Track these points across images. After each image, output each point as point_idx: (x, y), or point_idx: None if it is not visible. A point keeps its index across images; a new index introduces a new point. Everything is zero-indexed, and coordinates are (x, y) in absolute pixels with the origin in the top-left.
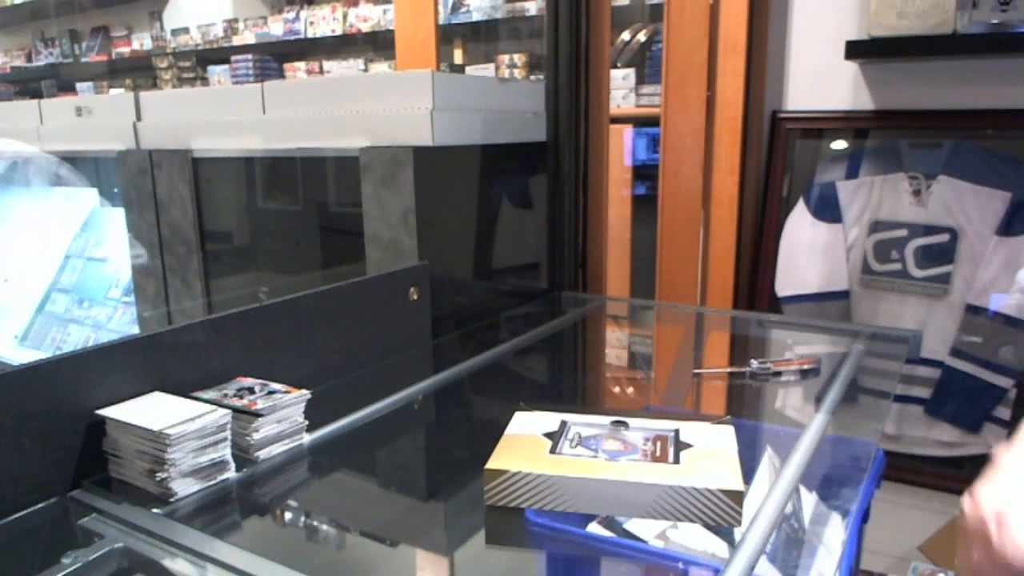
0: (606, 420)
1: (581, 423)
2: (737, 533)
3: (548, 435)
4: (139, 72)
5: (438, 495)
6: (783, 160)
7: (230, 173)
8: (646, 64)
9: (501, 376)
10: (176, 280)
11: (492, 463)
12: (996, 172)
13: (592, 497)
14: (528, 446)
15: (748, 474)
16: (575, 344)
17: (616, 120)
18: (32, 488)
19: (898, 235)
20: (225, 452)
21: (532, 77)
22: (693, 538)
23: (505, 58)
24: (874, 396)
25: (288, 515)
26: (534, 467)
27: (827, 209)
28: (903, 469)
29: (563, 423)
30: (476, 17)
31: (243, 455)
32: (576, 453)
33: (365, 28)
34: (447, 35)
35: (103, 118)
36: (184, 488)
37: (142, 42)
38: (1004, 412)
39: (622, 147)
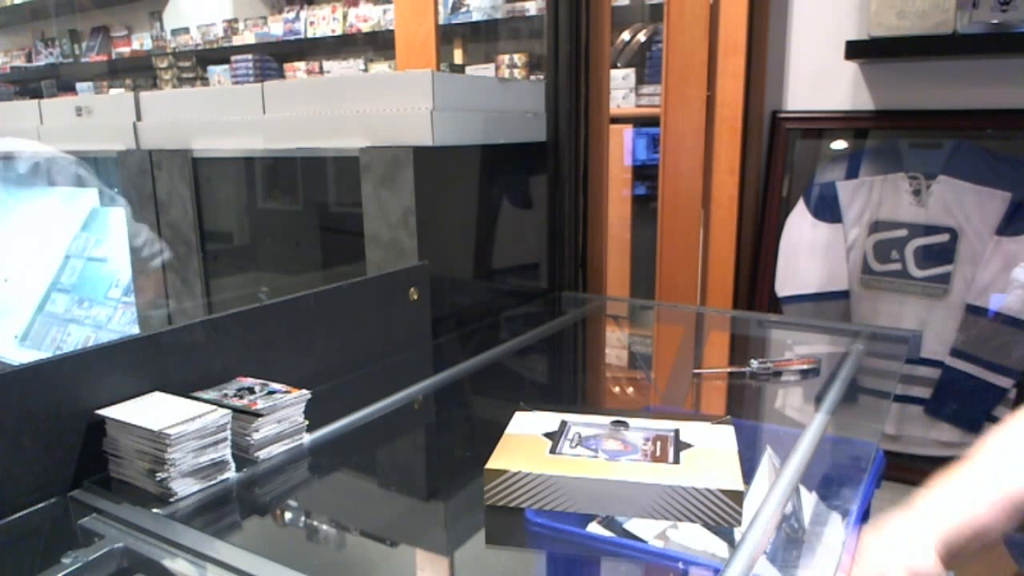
0: (606, 420)
1: (581, 423)
2: (737, 533)
3: (548, 435)
4: (139, 72)
5: (438, 495)
6: (783, 160)
7: (230, 173)
8: (646, 64)
9: (501, 376)
10: (176, 280)
11: (492, 463)
12: (996, 172)
13: (592, 497)
14: (528, 446)
15: (748, 474)
16: (575, 344)
17: (616, 120)
18: (32, 488)
19: (898, 235)
20: (225, 452)
21: (532, 77)
22: (693, 538)
23: (505, 58)
24: (874, 396)
25: (288, 515)
26: (534, 467)
27: (827, 209)
28: (903, 469)
29: (563, 423)
30: (476, 17)
31: (243, 455)
32: (576, 453)
33: (365, 28)
34: (447, 35)
35: (103, 118)
36: (184, 488)
37: (142, 42)
38: (1004, 412)
39: (622, 147)
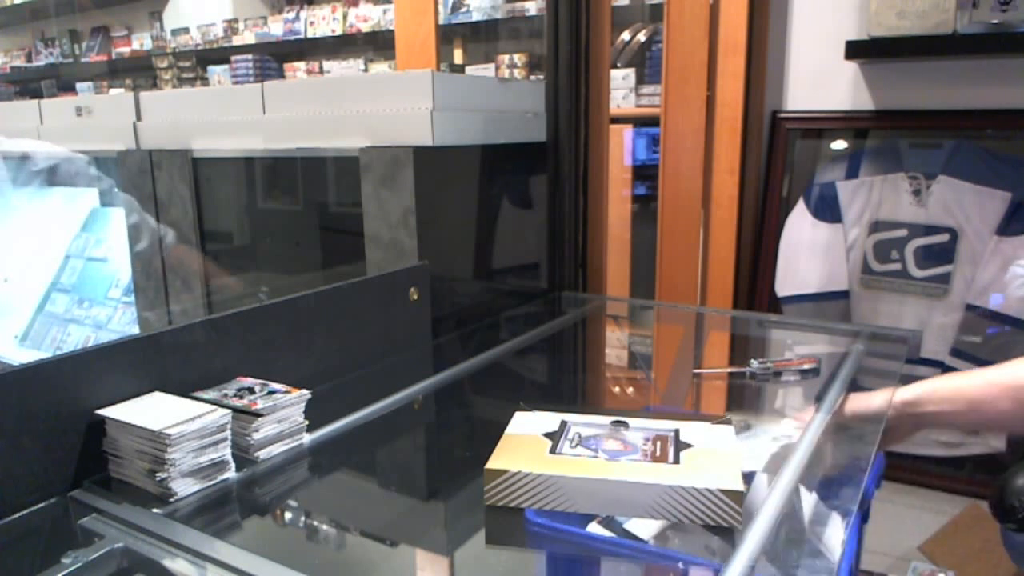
0: (606, 420)
1: (581, 423)
2: (737, 533)
3: (548, 435)
4: (139, 72)
5: (438, 495)
6: (783, 160)
7: (230, 173)
8: (646, 64)
9: (501, 376)
10: (176, 280)
11: (492, 463)
12: (996, 172)
13: (592, 497)
14: (528, 446)
15: (748, 474)
16: (575, 344)
17: (616, 120)
18: (32, 488)
19: (898, 235)
20: (225, 452)
21: (532, 77)
22: (693, 538)
23: (505, 58)
24: None
25: (288, 515)
26: (534, 467)
27: (827, 209)
28: (903, 469)
29: (563, 423)
30: (476, 17)
31: (243, 455)
32: (576, 453)
33: (365, 28)
34: (447, 35)
35: (103, 118)
36: (184, 488)
37: (142, 42)
38: None
39: (622, 147)
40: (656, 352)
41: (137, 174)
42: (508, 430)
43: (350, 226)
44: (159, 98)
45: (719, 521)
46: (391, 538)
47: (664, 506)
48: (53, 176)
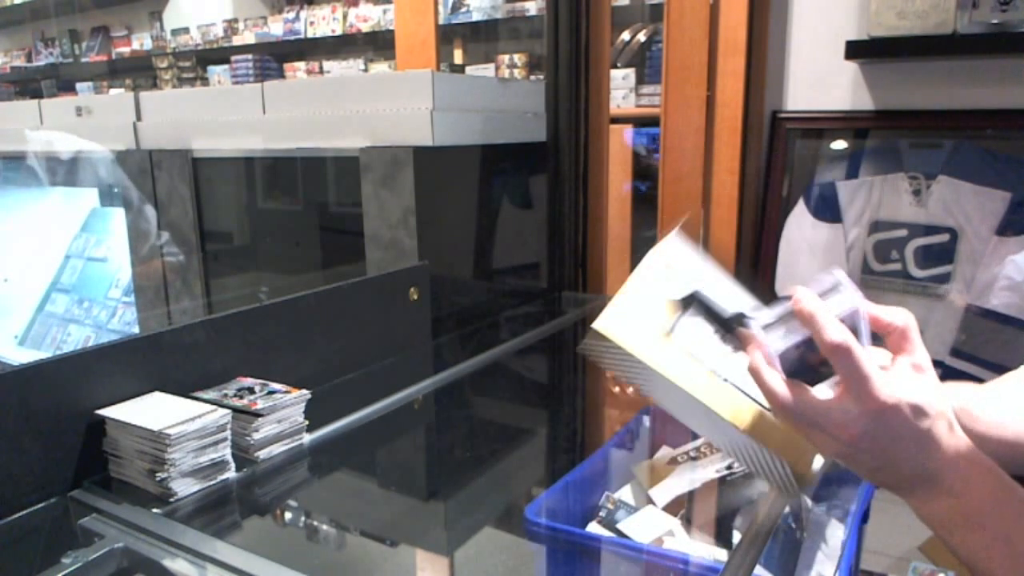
0: (737, 307)
1: (713, 298)
2: (735, 534)
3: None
4: (139, 72)
5: (438, 495)
6: (783, 160)
7: (230, 173)
8: (646, 64)
9: (501, 376)
10: (176, 280)
11: (603, 323)
12: (996, 172)
13: (680, 407)
14: (648, 309)
15: (748, 475)
16: (575, 344)
17: (616, 120)
18: (32, 488)
19: (898, 235)
20: (225, 452)
21: (532, 77)
22: (690, 543)
23: (505, 58)
24: None
25: (288, 515)
26: (638, 347)
27: (827, 209)
28: None
29: (693, 296)
30: (476, 17)
31: (243, 455)
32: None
33: (365, 28)
34: (447, 35)
35: (103, 118)
36: (184, 488)
37: (142, 42)
38: None
39: (622, 147)
40: None
41: (137, 174)
42: (643, 267)
43: (350, 226)
44: (159, 98)
45: (778, 485)
46: (391, 538)
47: (739, 450)
48: (75, 172)
